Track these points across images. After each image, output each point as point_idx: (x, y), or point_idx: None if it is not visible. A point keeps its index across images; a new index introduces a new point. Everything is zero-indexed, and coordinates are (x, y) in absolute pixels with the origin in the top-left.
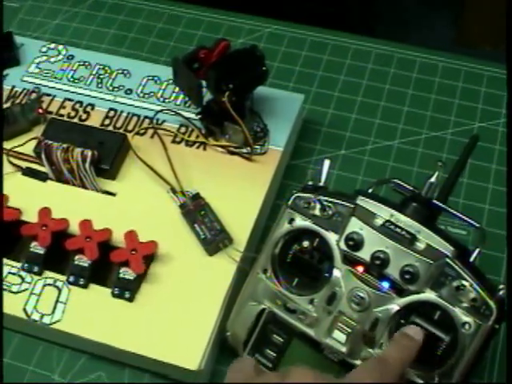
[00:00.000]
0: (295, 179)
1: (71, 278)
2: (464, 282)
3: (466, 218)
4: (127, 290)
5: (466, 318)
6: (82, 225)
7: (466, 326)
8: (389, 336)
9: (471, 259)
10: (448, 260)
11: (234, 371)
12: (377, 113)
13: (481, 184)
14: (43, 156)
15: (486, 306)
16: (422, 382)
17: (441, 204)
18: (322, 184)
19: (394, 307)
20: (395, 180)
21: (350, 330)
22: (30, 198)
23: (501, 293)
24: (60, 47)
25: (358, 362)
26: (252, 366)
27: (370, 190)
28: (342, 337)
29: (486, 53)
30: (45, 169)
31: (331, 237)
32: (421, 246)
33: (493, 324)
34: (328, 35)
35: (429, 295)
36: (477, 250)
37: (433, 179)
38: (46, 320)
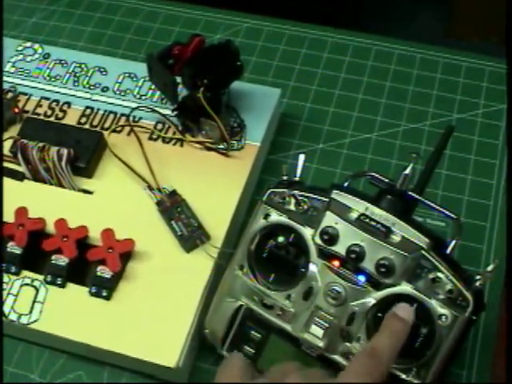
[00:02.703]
0: (273, 174)
1: (49, 278)
2: (440, 274)
3: (442, 210)
4: (104, 289)
5: (442, 310)
6: (58, 224)
7: (443, 318)
8: (366, 330)
9: (448, 251)
10: (423, 252)
11: (223, 372)
12: (355, 106)
13: (459, 175)
14: (19, 155)
15: (463, 298)
16: (399, 374)
17: (416, 195)
18: (297, 179)
19: (371, 301)
20: (371, 173)
21: (327, 325)
22: (7, 197)
23: (477, 284)
24: (36, 46)
25: (335, 357)
26: (240, 368)
27: (346, 184)
28: (319, 331)
29: (474, 45)
30: (21, 168)
31: (307, 232)
32: (396, 238)
33: (469, 315)
34: (305, 29)
35: (405, 288)
36: (453, 242)
37: (407, 171)
38: (24, 320)
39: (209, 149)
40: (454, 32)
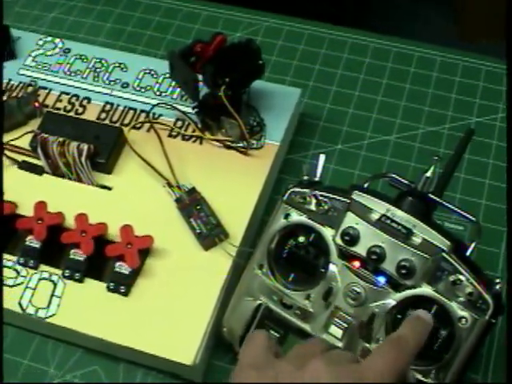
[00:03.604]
0: (292, 174)
1: (67, 272)
2: (460, 277)
3: (462, 212)
4: (122, 285)
5: (462, 313)
6: (78, 219)
7: (463, 321)
8: (385, 331)
9: (467, 253)
10: (444, 254)
11: (247, 348)
12: (374, 107)
13: (478, 179)
14: (39, 150)
15: (483, 301)
16: (418, 375)
17: (437, 198)
18: (317, 179)
19: (391, 302)
20: (391, 174)
21: (346, 325)
22: (26, 191)
23: (497, 287)
24: (56, 40)
25: None
26: (264, 345)
27: (365, 185)
28: (338, 332)
29: (483, 46)
30: (41, 162)
31: (327, 232)
32: (417, 240)
33: (489, 318)
34: (325, 29)
35: (425, 290)
36: (473, 244)
37: (428, 173)
38: (41, 314)
39: (228, 147)
40: (464, 34)
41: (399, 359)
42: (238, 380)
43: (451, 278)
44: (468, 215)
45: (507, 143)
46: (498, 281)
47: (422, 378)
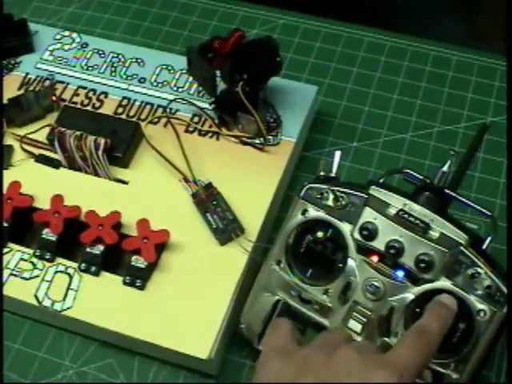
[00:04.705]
0: (307, 170)
1: (83, 266)
2: (479, 270)
3: (478, 207)
4: (138, 279)
5: (481, 306)
6: (89, 215)
7: (481, 314)
8: (404, 325)
9: (483, 247)
10: (462, 248)
11: (271, 336)
12: (390, 105)
13: (493, 178)
14: (56, 143)
15: (501, 294)
16: (437, 369)
17: (453, 193)
18: (333, 175)
19: (409, 296)
20: (406, 169)
21: (365, 320)
22: (43, 184)
23: None
24: (74, 35)
25: None
26: (287, 332)
27: (381, 180)
28: (357, 326)
29: (497, 47)
30: (58, 156)
31: (345, 227)
32: (435, 234)
33: (507, 311)
34: (342, 27)
35: (444, 283)
36: (489, 238)
37: (445, 168)
38: (57, 307)
39: (245, 143)
40: (477, 34)
41: (424, 349)
42: (263, 368)
43: (469, 272)
44: (483, 210)
45: (507, 142)
46: None
47: (442, 370)
